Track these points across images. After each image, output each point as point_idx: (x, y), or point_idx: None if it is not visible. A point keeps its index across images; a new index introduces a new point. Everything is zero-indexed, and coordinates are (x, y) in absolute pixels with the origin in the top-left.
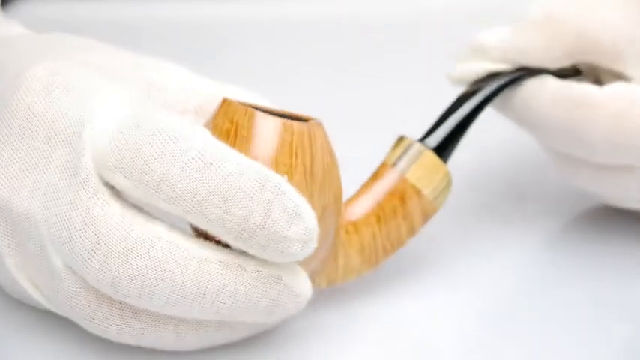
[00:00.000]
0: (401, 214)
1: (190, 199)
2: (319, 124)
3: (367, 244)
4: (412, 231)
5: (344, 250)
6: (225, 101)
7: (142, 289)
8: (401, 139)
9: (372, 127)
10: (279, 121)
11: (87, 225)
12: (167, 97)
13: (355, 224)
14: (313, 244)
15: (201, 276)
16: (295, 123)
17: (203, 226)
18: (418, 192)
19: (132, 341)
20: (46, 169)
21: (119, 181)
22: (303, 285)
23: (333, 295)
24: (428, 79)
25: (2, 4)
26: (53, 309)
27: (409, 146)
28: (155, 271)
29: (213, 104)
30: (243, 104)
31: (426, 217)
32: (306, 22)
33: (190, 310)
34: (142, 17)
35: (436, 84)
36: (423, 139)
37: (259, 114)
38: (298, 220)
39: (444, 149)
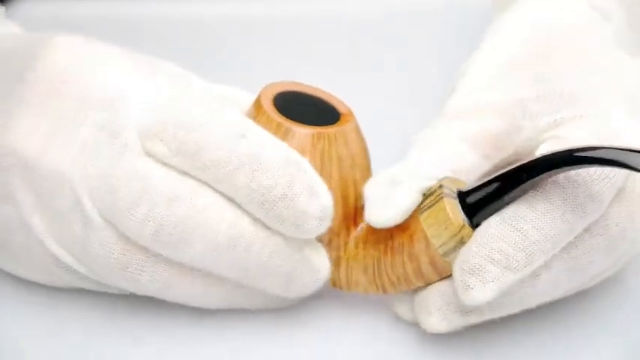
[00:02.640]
0: (407, 252)
1: (223, 167)
2: (349, 121)
3: (370, 266)
4: (421, 276)
5: (347, 260)
6: (260, 110)
7: (182, 236)
8: (446, 178)
9: (372, 126)
10: (309, 133)
11: (132, 177)
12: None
13: (365, 243)
14: (327, 223)
15: (235, 229)
16: (323, 131)
17: (231, 194)
18: (425, 237)
19: (160, 291)
20: (80, 127)
21: (159, 149)
22: (322, 262)
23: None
24: (429, 77)
25: (1, 4)
26: (81, 269)
27: (439, 187)
28: (195, 220)
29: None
30: (274, 113)
31: (437, 269)
32: (305, 21)
33: (220, 263)
34: (142, 16)
35: (437, 82)
36: (466, 191)
37: (292, 130)
38: (316, 197)
39: (477, 209)
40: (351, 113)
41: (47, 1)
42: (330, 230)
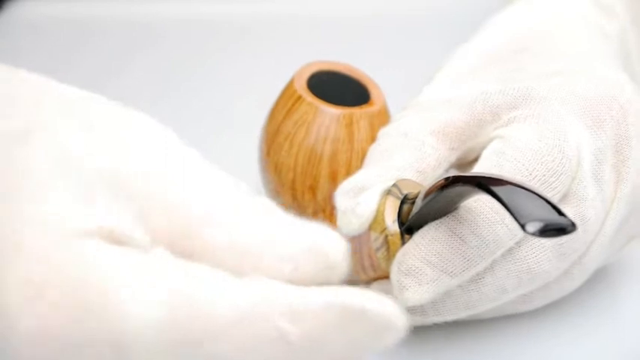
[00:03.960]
0: (357, 240)
1: None
2: (376, 102)
3: None
4: (362, 268)
5: None
6: (292, 89)
7: None
8: (403, 180)
9: None
10: (337, 113)
11: None
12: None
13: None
14: None
15: None
16: (351, 112)
17: None
18: (368, 229)
19: None
20: None
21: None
22: None
23: None
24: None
25: (1, 4)
26: None
27: (392, 186)
28: None
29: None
30: (306, 92)
31: (373, 263)
32: (304, 20)
33: None
34: (142, 16)
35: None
36: (405, 196)
37: (320, 109)
38: None
39: (407, 216)
40: (380, 95)
41: (47, 1)
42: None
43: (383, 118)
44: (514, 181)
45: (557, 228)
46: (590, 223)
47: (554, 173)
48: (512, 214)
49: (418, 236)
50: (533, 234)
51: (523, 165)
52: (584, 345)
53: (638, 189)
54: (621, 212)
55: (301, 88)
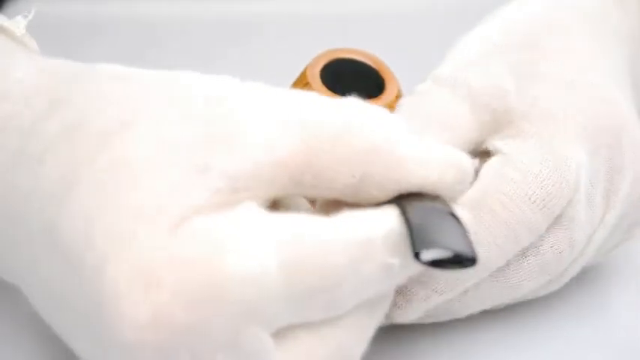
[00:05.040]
0: None
1: None
2: (390, 93)
3: None
4: None
5: None
6: (304, 82)
7: None
8: None
9: None
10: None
11: None
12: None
13: None
14: None
15: None
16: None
17: None
18: None
19: None
20: None
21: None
22: None
23: None
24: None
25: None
26: None
27: None
28: None
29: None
30: (319, 85)
31: None
32: (303, 20)
33: None
34: (144, 16)
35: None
36: None
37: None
38: None
39: None
40: (394, 87)
41: (47, 1)
42: None
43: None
44: (441, 206)
45: (457, 261)
46: (577, 245)
47: (553, 197)
48: (412, 238)
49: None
50: (425, 264)
51: (522, 189)
52: (575, 344)
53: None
54: (604, 236)
55: (313, 76)
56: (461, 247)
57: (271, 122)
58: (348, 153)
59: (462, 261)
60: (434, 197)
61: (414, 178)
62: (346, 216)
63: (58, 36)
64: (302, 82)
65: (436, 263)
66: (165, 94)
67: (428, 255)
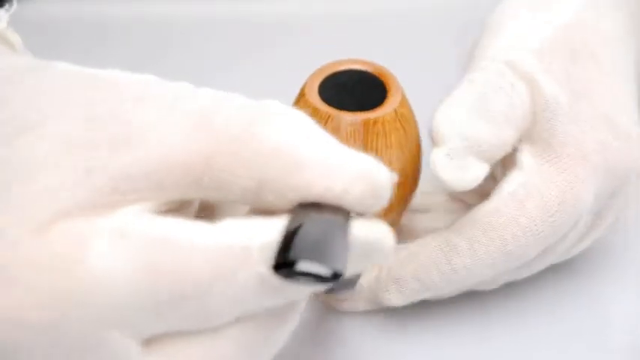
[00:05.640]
0: None
1: None
2: (393, 99)
3: None
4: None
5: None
6: (304, 101)
7: None
8: None
9: None
10: (359, 119)
11: None
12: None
13: None
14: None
15: None
16: (369, 117)
17: None
18: None
19: None
20: None
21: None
22: None
23: None
24: (432, 76)
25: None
26: None
27: None
28: None
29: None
30: (320, 102)
31: None
32: (299, 20)
33: None
34: (146, 16)
35: (441, 80)
36: None
37: (339, 118)
38: None
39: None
40: (398, 91)
41: (47, 2)
42: None
43: (404, 109)
44: (338, 219)
45: (318, 277)
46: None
47: (555, 235)
48: (282, 245)
49: (415, 248)
50: (279, 274)
51: (535, 228)
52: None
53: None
54: (588, 244)
55: (310, 89)
56: (325, 267)
57: (173, 124)
58: (247, 155)
59: (322, 278)
60: (336, 209)
61: (315, 187)
62: (229, 223)
63: (59, 37)
64: (300, 95)
65: (294, 275)
66: (81, 94)
67: (283, 272)
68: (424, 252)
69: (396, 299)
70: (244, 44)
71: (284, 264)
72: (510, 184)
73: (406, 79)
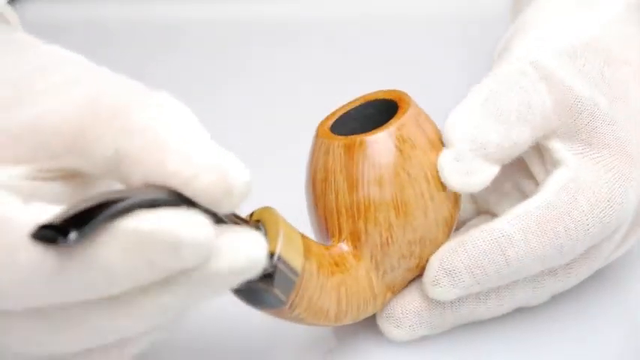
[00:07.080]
0: None
1: None
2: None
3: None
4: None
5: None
6: (323, 148)
7: None
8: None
9: None
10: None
11: None
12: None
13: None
14: None
15: None
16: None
17: None
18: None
19: None
20: None
21: None
22: None
23: None
24: (433, 78)
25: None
26: None
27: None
28: None
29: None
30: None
31: None
32: (302, 22)
33: None
34: (147, 17)
35: (443, 82)
36: None
37: (365, 140)
38: None
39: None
40: (404, 112)
41: (47, 2)
42: None
43: (407, 131)
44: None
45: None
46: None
47: (603, 233)
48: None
49: (470, 241)
50: (34, 236)
51: (586, 222)
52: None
53: None
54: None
55: (328, 137)
56: (58, 220)
57: (66, 96)
58: (116, 127)
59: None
60: (163, 189)
61: (166, 167)
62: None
63: (60, 39)
64: (323, 151)
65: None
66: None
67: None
68: (475, 242)
69: (446, 294)
70: (245, 46)
71: (45, 227)
72: (559, 179)
73: (415, 87)
